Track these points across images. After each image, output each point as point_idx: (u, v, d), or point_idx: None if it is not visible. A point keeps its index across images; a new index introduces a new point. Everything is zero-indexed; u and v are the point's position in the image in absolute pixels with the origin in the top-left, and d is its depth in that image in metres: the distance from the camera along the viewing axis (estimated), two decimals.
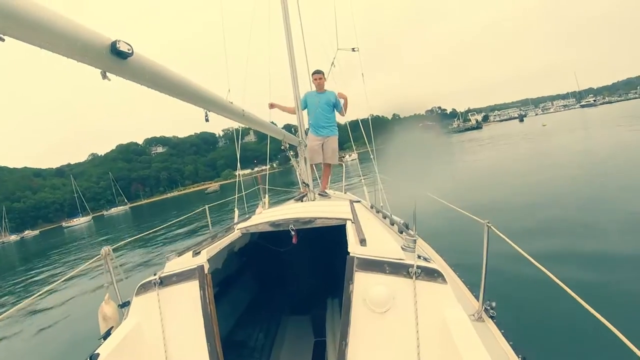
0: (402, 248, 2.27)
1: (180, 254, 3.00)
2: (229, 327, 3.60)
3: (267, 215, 3.69)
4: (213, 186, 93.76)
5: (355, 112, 8.29)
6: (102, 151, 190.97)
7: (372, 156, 7.40)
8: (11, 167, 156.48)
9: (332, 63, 7.49)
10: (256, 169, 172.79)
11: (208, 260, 2.63)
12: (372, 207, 4.95)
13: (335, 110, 6.86)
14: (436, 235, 5.72)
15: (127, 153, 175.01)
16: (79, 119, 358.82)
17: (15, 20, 1.11)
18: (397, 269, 2.05)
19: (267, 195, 7.65)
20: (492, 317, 2.52)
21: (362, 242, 2.31)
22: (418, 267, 2.01)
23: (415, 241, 2.36)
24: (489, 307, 2.58)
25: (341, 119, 7.21)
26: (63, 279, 3.25)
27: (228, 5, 7.85)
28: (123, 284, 3.20)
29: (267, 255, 4.36)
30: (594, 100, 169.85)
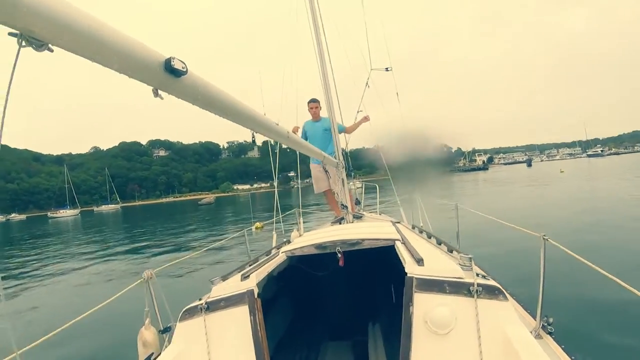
0: (460, 266, 2.25)
1: (224, 278, 2.97)
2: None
3: (311, 238, 3.63)
4: (208, 198, 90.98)
5: (365, 137, 8.36)
6: (105, 146, 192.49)
7: (391, 183, 7.51)
8: (12, 146, 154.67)
9: (367, 83, 7.56)
10: (255, 185, 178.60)
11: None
12: (414, 227, 4.97)
13: (339, 131, 6.87)
14: (480, 253, 5.95)
15: (129, 152, 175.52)
16: (89, 109, 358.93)
17: (66, 30, 1.06)
18: (457, 288, 2.01)
19: (301, 219, 7.30)
20: (550, 334, 2.35)
21: (420, 261, 2.26)
22: (479, 285, 1.97)
23: (471, 259, 2.37)
24: (546, 324, 2.39)
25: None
26: (103, 304, 2.78)
27: (260, 27, 8.18)
28: (163, 307, 3.07)
29: (304, 279, 4.17)
30: (601, 151, 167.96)
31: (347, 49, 8.12)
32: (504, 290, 1.99)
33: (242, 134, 77.23)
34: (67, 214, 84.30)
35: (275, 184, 8.75)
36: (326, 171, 6.02)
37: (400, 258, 2.53)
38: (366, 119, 7.06)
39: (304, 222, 7.33)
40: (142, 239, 22.91)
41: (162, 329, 2.90)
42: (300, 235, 4.55)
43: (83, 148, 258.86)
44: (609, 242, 10.06)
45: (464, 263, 2.34)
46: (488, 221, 4.30)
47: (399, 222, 5.09)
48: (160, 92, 1.52)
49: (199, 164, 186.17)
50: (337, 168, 6.15)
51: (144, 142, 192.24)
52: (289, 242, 4.38)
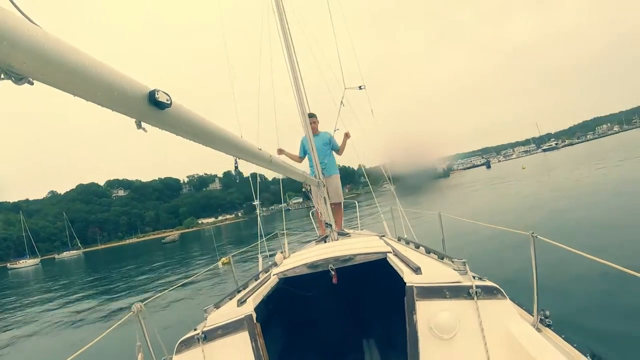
0: (456, 271, 2.29)
1: (217, 305, 2.91)
2: None
3: (301, 258, 3.54)
4: (172, 235, 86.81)
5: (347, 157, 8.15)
6: (62, 189, 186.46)
7: (392, 193, 7.57)
8: None
9: (342, 102, 7.50)
10: (220, 217, 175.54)
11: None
12: (399, 240, 4.85)
13: (332, 150, 7.07)
14: (467, 257, 5.60)
15: (87, 194, 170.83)
16: (44, 150, 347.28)
17: (47, 64, 1.03)
18: (457, 292, 2.07)
19: (286, 241, 7.37)
20: (549, 326, 2.41)
21: (417, 270, 2.32)
22: (477, 286, 2.04)
23: (465, 263, 2.38)
24: (543, 317, 2.45)
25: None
26: (93, 342, 2.80)
27: (233, 48, 8.11)
28: (155, 341, 2.91)
29: (295, 300, 4.10)
30: (556, 144, 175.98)
31: (320, 69, 8.16)
32: (501, 290, 2.06)
33: (202, 167, 73.18)
34: (28, 263, 79.35)
35: (258, 210, 8.88)
36: (310, 191, 5.96)
37: (397, 269, 2.55)
38: (347, 135, 7.10)
39: (282, 245, 7.28)
40: (111, 284, 22.60)
41: None
42: (285, 257, 4.48)
43: (40, 193, 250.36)
44: (592, 220, 10.78)
45: (459, 267, 2.37)
46: (471, 226, 4.31)
47: (383, 236, 5.02)
48: (143, 124, 1.51)
49: (159, 201, 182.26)
50: (319, 187, 6.15)
51: (101, 183, 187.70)
52: (275, 264, 4.33)
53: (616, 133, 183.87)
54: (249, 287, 3.34)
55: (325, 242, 5.46)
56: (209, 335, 2.37)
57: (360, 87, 7.73)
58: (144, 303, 2.88)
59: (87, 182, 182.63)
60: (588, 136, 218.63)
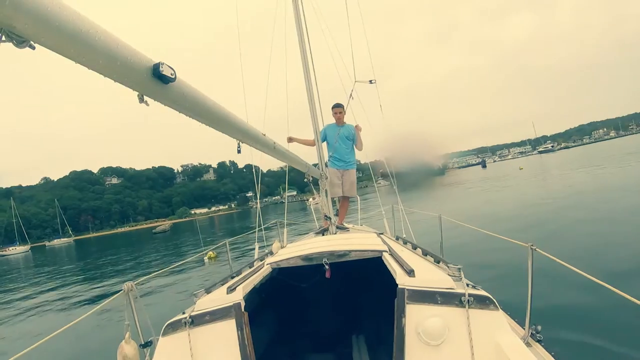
0: (450, 277, 2.26)
1: (208, 290, 2.91)
2: None
3: (296, 249, 3.61)
4: (163, 225, 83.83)
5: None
6: (56, 176, 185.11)
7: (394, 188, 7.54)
8: None
9: (351, 95, 7.47)
10: (213, 208, 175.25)
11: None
12: (397, 239, 4.89)
13: (354, 144, 7.10)
14: (464, 263, 5.54)
15: (80, 181, 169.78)
16: (37, 138, 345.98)
17: (49, 27, 1.03)
18: (449, 298, 2.03)
19: (285, 230, 7.35)
20: (539, 341, 2.35)
21: (410, 272, 2.27)
22: (470, 295, 2.00)
23: (460, 269, 2.36)
24: (535, 332, 2.39)
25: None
26: (82, 317, 2.83)
27: (245, 37, 7.92)
28: (143, 321, 2.95)
29: (288, 291, 4.18)
30: (552, 147, 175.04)
31: (332, 61, 8.18)
32: (494, 300, 2.03)
33: (197, 157, 73.04)
34: (17, 250, 78.87)
35: (258, 198, 8.78)
36: (311, 182, 6.06)
37: (390, 269, 2.53)
38: (358, 128, 7.10)
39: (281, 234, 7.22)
40: (98, 271, 22.72)
41: (142, 343, 2.79)
42: (282, 247, 4.54)
43: (33, 179, 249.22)
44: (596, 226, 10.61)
45: (454, 273, 2.34)
46: (472, 231, 4.24)
47: (382, 234, 4.97)
48: (145, 98, 1.48)
49: (153, 190, 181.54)
50: (321, 179, 6.18)
51: (95, 170, 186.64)
52: (271, 253, 4.35)
53: (612, 138, 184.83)
54: (242, 274, 3.31)
55: (323, 235, 5.46)
56: (196, 320, 2.36)
57: (371, 81, 7.75)
58: (135, 283, 2.90)
59: (80, 169, 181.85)
60: (584, 140, 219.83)
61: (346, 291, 4.51)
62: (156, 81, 1.45)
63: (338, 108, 6.90)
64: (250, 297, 2.93)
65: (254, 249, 7.39)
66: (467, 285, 2.14)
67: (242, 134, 2.49)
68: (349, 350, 3.97)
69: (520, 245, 2.64)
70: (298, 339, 4.41)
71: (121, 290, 2.83)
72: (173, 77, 1.49)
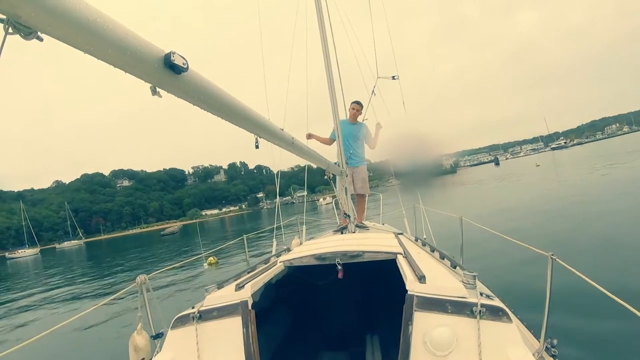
0: (463, 284, 2.17)
1: (220, 286, 2.91)
2: None
3: (311, 247, 3.61)
4: (172, 227, 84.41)
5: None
6: (67, 179, 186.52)
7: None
8: None
9: (373, 91, 7.42)
10: (224, 209, 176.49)
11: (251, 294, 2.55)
12: (416, 240, 4.87)
13: (365, 142, 6.98)
14: (484, 267, 5.83)
15: (92, 184, 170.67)
16: (51, 140, 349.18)
17: (56, 15, 1.01)
18: (460, 308, 1.94)
19: (304, 227, 7.50)
20: (554, 356, 2.26)
21: (421, 278, 2.19)
22: (482, 305, 1.90)
23: (475, 277, 2.30)
24: (550, 346, 2.31)
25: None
26: (95, 307, 3.17)
27: (266, 31, 7.93)
28: (155, 313, 3.08)
29: (303, 288, 4.19)
30: (565, 143, 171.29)
31: (354, 57, 8.11)
32: (508, 312, 1.92)
33: (207, 158, 73.97)
34: (27, 253, 79.45)
35: (277, 196, 8.73)
36: (332, 180, 5.97)
37: (402, 274, 2.49)
38: (379, 126, 6.99)
39: (300, 231, 7.43)
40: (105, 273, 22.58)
41: (154, 334, 2.88)
42: (300, 244, 4.52)
43: (45, 182, 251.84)
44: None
45: (468, 281, 2.27)
46: (493, 234, 4.11)
47: (402, 234, 4.93)
48: (158, 89, 1.44)
49: (164, 192, 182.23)
50: (341, 176, 6.11)
51: (106, 173, 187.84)
52: (289, 249, 4.34)
53: (626, 133, 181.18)
54: (255, 270, 3.34)
55: (342, 233, 5.52)
56: (204, 315, 2.37)
57: (393, 77, 7.66)
58: (148, 276, 3.02)
59: (91, 172, 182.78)
60: (597, 135, 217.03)
61: (362, 290, 4.43)
62: (168, 71, 1.40)
63: (355, 104, 6.81)
64: (264, 293, 2.95)
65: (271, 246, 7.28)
66: (481, 294, 2.05)
67: (260, 129, 2.43)
68: (363, 349, 3.90)
69: (541, 253, 2.59)
70: (312, 337, 4.41)
71: (134, 282, 2.95)
72: (185, 66, 1.44)
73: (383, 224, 7.41)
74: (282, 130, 2.87)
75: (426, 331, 1.92)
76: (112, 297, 3.10)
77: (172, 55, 1.37)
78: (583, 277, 2.31)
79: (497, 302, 1.98)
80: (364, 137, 6.93)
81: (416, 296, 2.03)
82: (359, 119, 6.99)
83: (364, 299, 4.49)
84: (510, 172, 49.32)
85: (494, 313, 1.89)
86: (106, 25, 1.14)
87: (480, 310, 1.88)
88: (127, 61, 1.26)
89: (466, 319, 1.91)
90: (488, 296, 2.12)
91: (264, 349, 3.50)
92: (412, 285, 2.13)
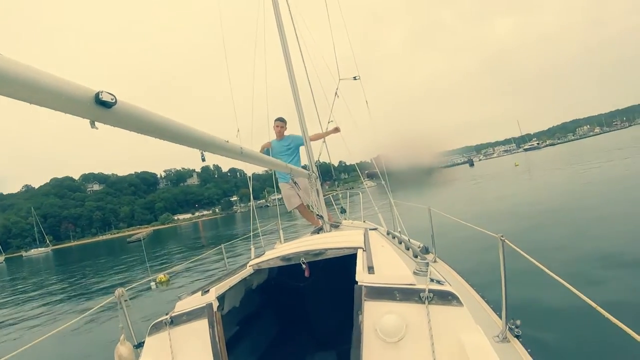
0: (415, 272, 2.26)
1: (192, 293, 3.04)
2: None
3: (279, 249, 3.71)
4: (139, 233, 75.98)
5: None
6: (37, 183, 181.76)
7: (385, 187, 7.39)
8: None
9: (336, 93, 7.58)
10: (197, 213, 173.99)
11: (223, 298, 2.72)
12: (388, 234, 4.97)
13: (297, 152, 7.06)
14: (457, 256, 6.22)
15: (61, 188, 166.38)
16: (22, 145, 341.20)
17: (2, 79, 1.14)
18: (408, 295, 1.99)
19: (281, 231, 7.72)
20: (517, 337, 2.38)
21: (370, 269, 2.32)
22: (430, 291, 1.94)
23: (427, 264, 2.36)
24: (513, 326, 2.43)
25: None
26: (75, 320, 3.21)
27: (229, 41, 8.08)
28: (138, 324, 3.20)
29: (287, 291, 4.32)
30: (537, 144, 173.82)
31: (315, 59, 7.89)
32: (458, 296, 1.92)
33: (180, 161, 71.45)
34: None
35: (252, 200, 8.69)
36: (296, 184, 6.12)
37: (357, 266, 2.56)
38: (336, 129, 7.12)
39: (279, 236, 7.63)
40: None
41: (136, 344, 2.97)
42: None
43: (15, 187, 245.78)
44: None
45: (420, 269, 2.32)
46: (458, 223, 4.14)
47: (375, 229, 5.09)
48: (96, 123, 1.56)
49: (135, 196, 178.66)
50: (310, 179, 6.17)
51: (76, 177, 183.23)
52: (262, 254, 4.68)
53: (597, 134, 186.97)
54: (227, 275, 3.42)
55: (318, 233, 5.70)
56: (175, 320, 2.50)
57: (355, 78, 7.79)
58: (126, 289, 3.16)
59: (61, 176, 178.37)
60: (569, 137, 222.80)
61: (344, 288, 4.26)
62: (100, 107, 1.51)
63: (278, 122, 6.93)
64: (249, 299, 3.27)
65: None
66: (432, 280, 2.08)
67: (201, 144, 2.42)
68: (349, 347, 3.51)
69: (490, 235, 2.70)
70: (300, 338, 4.50)
71: (112, 296, 3.10)
72: (113, 101, 1.55)
73: (364, 221, 7.54)
74: (227, 142, 2.88)
75: (376, 319, 1.96)
76: (91, 310, 3.21)
77: (100, 93, 1.48)
78: (528, 257, 2.41)
79: (447, 287, 2.00)
80: (297, 146, 6.98)
81: (365, 286, 2.09)
82: (286, 133, 7.08)
83: (347, 298, 4.05)
84: (488, 172, 49.97)
85: (443, 298, 1.91)
86: (40, 78, 1.25)
87: (427, 296, 1.90)
88: (63, 105, 1.38)
89: (415, 305, 1.93)
90: (439, 282, 2.13)
91: (251, 353, 3.74)
92: (361, 276, 2.22)
